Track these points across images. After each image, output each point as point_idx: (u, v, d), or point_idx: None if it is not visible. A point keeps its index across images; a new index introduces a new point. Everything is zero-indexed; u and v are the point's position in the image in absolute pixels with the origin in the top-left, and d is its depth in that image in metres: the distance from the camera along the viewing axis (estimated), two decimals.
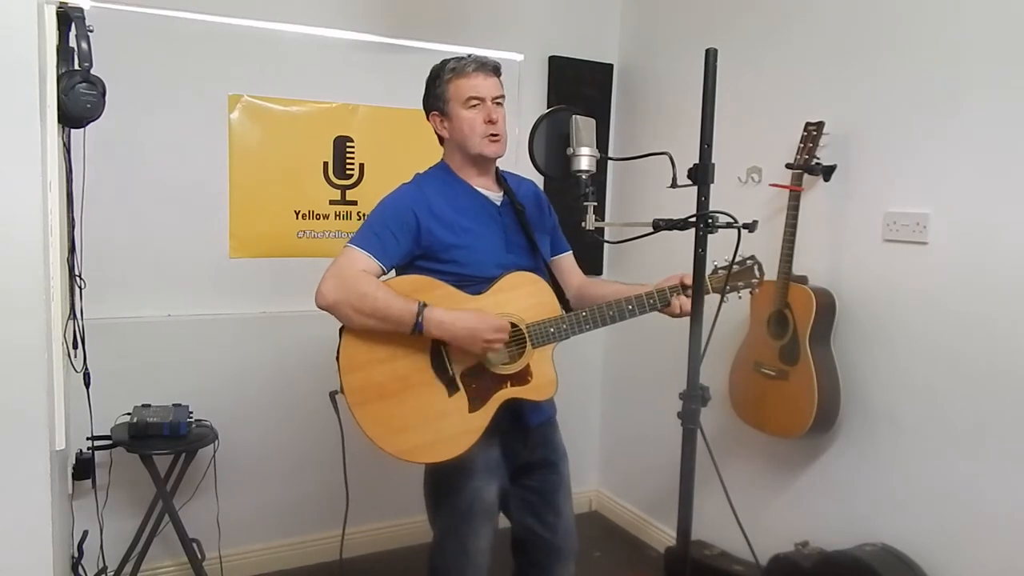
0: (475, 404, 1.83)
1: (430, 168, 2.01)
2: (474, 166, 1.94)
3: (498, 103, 1.91)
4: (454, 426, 1.82)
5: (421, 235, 1.84)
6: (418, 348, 1.81)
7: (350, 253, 1.80)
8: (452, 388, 1.83)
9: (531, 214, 2.00)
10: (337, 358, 1.82)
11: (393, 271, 1.88)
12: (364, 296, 1.74)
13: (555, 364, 1.92)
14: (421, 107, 1.99)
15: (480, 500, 1.91)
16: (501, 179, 2.01)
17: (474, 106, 1.88)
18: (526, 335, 1.85)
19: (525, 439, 1.99)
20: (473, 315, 1.79)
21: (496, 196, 1.97)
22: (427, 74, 1.97)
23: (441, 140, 1.99)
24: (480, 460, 1.89)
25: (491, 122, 1.88)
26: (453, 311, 1.78)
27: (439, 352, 1.83)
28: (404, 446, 1.80)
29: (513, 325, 1.84)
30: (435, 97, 1.92)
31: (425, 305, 1.76)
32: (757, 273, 1.92)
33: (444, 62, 1.92)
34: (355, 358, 1.81)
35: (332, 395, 1.84)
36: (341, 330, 1.83)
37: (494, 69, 1.92)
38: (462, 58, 1.91)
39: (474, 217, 1.91)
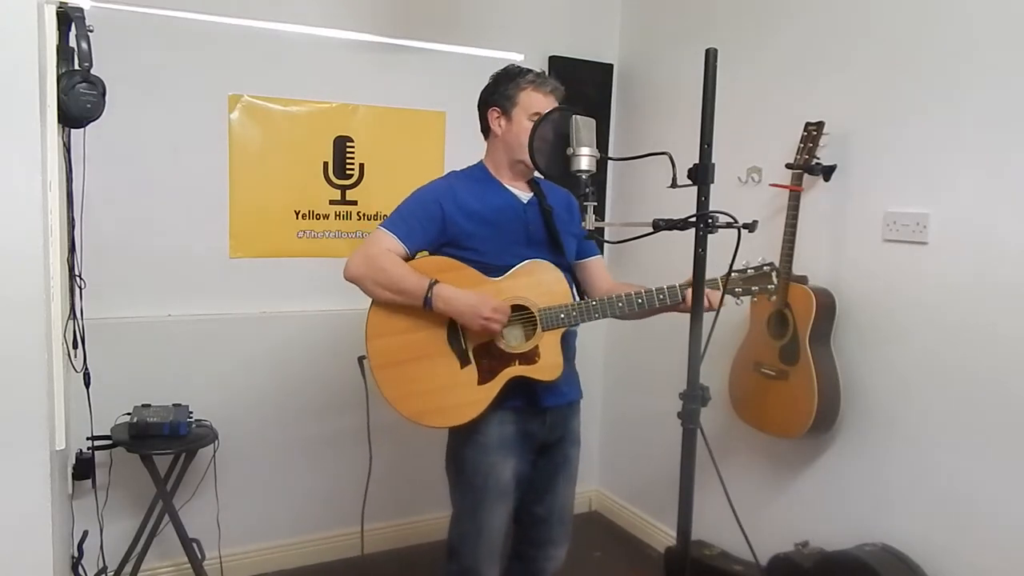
0: (484, 377, 1.95)
1: (468, 167, 2.12)
2: (512, 169, 2.05)
3: None
4: (463, 396, 1.94)
5: (446, 225, 1.97)
6: (436, 323, 1.96)
7: (378, 234, 1.96)
8: (464, 361, 1.95)
9: (560, 216, 2.09)
10: (366, 327, 1.98)
11: (426, 254, 2.00)
12: (384, 270, 1.91)
13: (568, 353, 2.01)
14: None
15: (495, 477, 1.99)
16: (534, 183, 2.09)
17: None
18: (537, 318, 1.94)
19: (543, 419, 2.06)
20: (476, 295, 1.91)
21: (524, 195, 2.07)
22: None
23: (486, 134, 2.09)
24: (495, 436, 1.99)
25: None
26: (459, 290, 1.91)
27: (455, 327, 1.95)
28: (416, 409, 1.95)
29: (525, 308, 1.95)
30: (503, 96, 2.02)
31: (436, 282, 1.89)
32: (775, 279, 1.94)
33: (521, 69, 2.05)
34: (379, 327, 1.97)
35: (360, 360, 2.01)
36: (371, 304, 1.99)
37: (562, 95, 2.04)
38: (541, 74, 2.05)
39: (498, 210, 2.01)
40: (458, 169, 2.12)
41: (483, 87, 2.09)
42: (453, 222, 1.97)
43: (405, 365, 1.96)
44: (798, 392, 2.33)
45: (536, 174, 2.07)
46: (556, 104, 2.01)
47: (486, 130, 2.08)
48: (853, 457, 2.39)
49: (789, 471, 2.62)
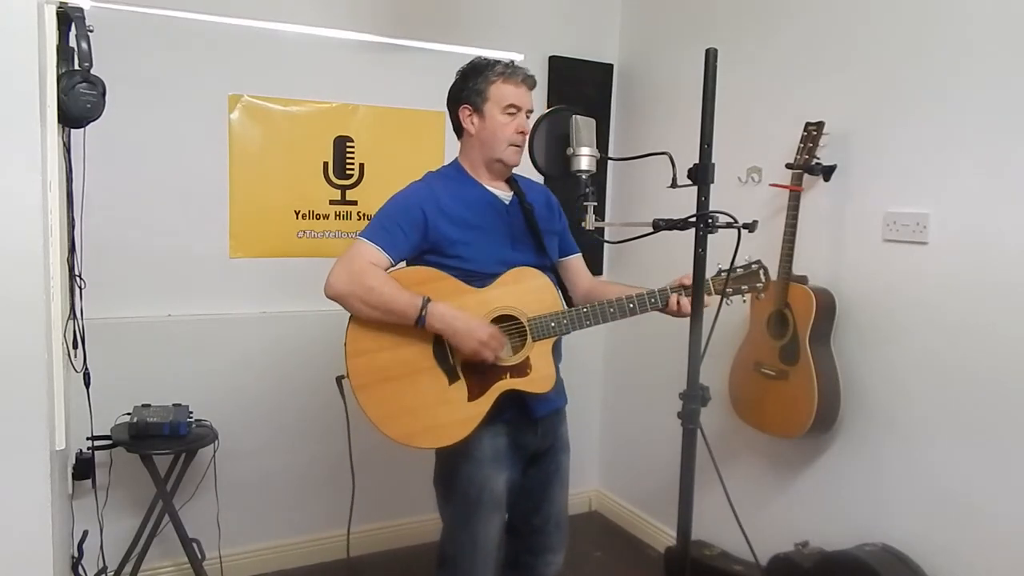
0: (474, 393, 1.87)
1: (442, 167, 2.04)
2: (489, 168, 1.98)
3: (528, 116, 1.97)
4: (453, 413, 1.86)
5: (428, 231, 1.89)
6: (421, 337, 1.86)
7: (359, 245, 1.85)
8: (453, 377, 1.87)
9: (540, 214, 2.04)
10: (345, 344, 1.87)
11: (403, 263, 1.92)
12: (371, 289, 1.80)
13: (555, 359, 1.94)
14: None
15: (489, 490, 1.94)
16: (513, 182, 2.04)
17: (511, 114, 1.93)
18: (527, 328, 1.88)
19: (535, 429, 2.02)
20: (474, 318, 1.83)
21: (505, 195, 2.01)
22: (450, 73, 1.99)
23: (459, 134, 2.01)
24: (488, 450, 1.93)
25: (522, 132, 1.93)
26: (456, 310, 1.83)
27: (441, 341, 1.87)
28: (404, 430, 1.85)
29: (514, 318, 1.88)
30: (473, 92, 1.93)
31: (429, 300, 1.81)
32: (763, 277, 1.92)
33: (489, 61, 1.95)
34: (360, 344, 1.86)
35: (339, 379, 1.91)
36: (350, 318, 1.87)
37: (534, 84, 1.99)
38: (510, 64, 1.95)
39: (481, 214, 1.95)
40: (433, 170, 2.04)
41: (450, 84, 2.00)
42: (435, 227, 1.88)
43: (389, 384, 1.85)
44: (798, 392, 2.33)
45: (514, 171, 2.03)
46: (529, 94, 1.95)
47: (459, 129, 2.00)
48: (853, 457, 2.39)
49: (789, 471, 2.62)
